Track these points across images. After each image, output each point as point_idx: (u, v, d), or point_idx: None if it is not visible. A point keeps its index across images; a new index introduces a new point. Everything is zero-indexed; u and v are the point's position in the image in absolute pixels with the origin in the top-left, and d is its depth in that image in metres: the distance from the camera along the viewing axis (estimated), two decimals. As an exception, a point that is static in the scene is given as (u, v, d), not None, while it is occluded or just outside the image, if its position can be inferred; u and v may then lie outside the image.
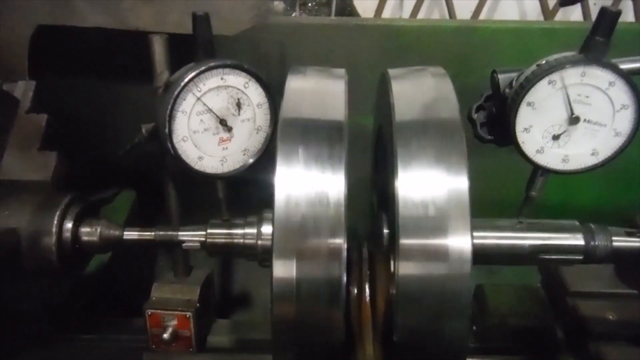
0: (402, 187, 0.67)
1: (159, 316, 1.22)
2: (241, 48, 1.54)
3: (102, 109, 1.57)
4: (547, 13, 2.11)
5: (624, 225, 1.07)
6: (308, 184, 0.67)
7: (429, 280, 0.65)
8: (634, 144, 1.63)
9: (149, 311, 1.21)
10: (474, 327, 1.33)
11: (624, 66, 0.78)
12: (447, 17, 2.15)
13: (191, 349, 1.25)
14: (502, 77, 0.85)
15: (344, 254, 0.65)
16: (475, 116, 0.90)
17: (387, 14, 2.19)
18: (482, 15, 2.16)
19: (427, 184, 0.67)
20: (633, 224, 1.20)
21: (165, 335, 1.21)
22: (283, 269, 0.65)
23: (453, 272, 0.65)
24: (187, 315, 1.21)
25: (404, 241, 0.65)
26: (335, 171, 0.67)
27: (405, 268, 0.65)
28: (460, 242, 0.65)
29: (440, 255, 0.65)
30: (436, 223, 0.65)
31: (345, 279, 0.65)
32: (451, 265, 0.65)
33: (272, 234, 0.64)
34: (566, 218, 0.90)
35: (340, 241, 0.65)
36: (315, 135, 0.70)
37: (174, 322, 1.22)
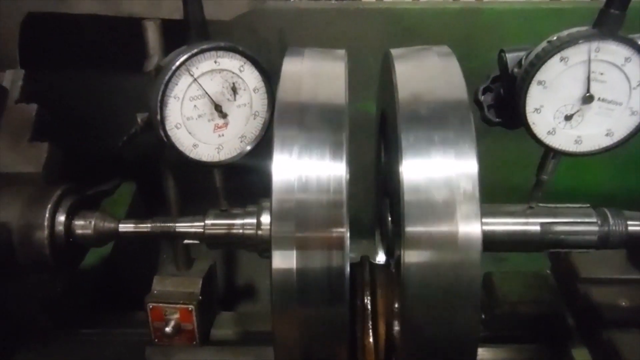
0: (407, 172, 0.63)
1: (160, 309, 1.21)
2: (240, 35, 1.52)
3: (99, 99, 1.55)
4: (556, -7, 2.06)
5: (637, 209, 1.03)
6: (307, 170, 0.63)
7: (436, 269, 0.62)
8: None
9: (151, 304, 1.21)
10: (483, 316, 1.32)
11: (640, 42, 0.73)
12: (453, -1, 2.10)
13: (194, 342, 1.24)
14: (510, 57, 0.82)
15: (347, 242, 0.62)
16: (482, 98, 0.87)
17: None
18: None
19: (434, 168, 0.63)
20: (648, 207, 1.16)
21: (168, 329, 1.20)
22: (283, 260, 0.61)
23: (461, 261, 0.62)
24: (190, 308, 1.21)
25: (410, 229, 0.62)
26: (336, 156, 0.64)
27: (411, 256, 0.62)
28: (468, 229, 0.61)
29: (447, 243, 0.61)
30: (443, 209, 0.62)
31: (348, 269, 0.62)
32: (459, 254, 0.61)
33: (270, 224, 0.61)
34: (577, 203, 0.87)
35: (342, 229, 0.62)
36: (314, 120, 0.66)
37: (176, 315, 1.21)
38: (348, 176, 0.63)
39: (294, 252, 0.61)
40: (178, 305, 1.20)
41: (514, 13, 1.52)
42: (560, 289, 1.31)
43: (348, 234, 0.62)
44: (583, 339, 1.19)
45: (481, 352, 1.25)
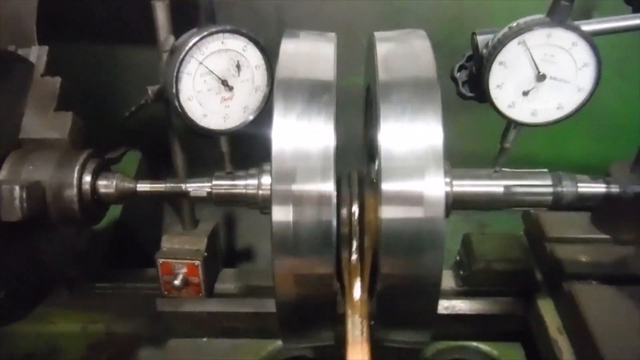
0: (384, 139, 0.75)
1: (170, 265, 1.32)
2: (241, 13, 1.60)
3: (109, 72, 1.64)
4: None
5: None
6: (301, 136, 0.75)
7: (408, 220, 0.75)
8: (620, 100, 1.68)
9: (161, 260, 1.31)
10: (462, 272, 1.44)
11: (586, 28, 0.85)
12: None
13: (201, 294, 1.35)
14: (481, 39, 0.92)
15: (334, 199, 0.74)
16: (457, 75, 0.96)
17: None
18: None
19: (406, 136, 0.75)
20: (608, 172, 1.28)
21: (176, 282, 1.31)
22: (281, 214, 0.74)
23: (428, 214, 0.74)
24: (196, 263, 1.31)
25: (386, 187, 0.74)
26: (325, 123, 0.76)
27: (388, 211, 0.75)
28: (434, 187, 0.74)
29: (417, 199, 0.74)
30: (414, 170, 0.74)
31: (335, 222, 0.75)
32: (426, 208, 0.74)
33: (271, 183, 0.74)
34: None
35: (330, 186, 0.74)
36: (307, 93, 0.78)
37: (184, 270, 1.32)
38: (335, 142, 0.75)
39: (290, 208, 0.74)
40: (186, 261, 1.31)
41: (501, -7, 1.59)
42: (530, 248, 1.43)
43: (335, 192, 0.75)
44: (548, 291, 1.32)
45: (459, 304, 1.38)
